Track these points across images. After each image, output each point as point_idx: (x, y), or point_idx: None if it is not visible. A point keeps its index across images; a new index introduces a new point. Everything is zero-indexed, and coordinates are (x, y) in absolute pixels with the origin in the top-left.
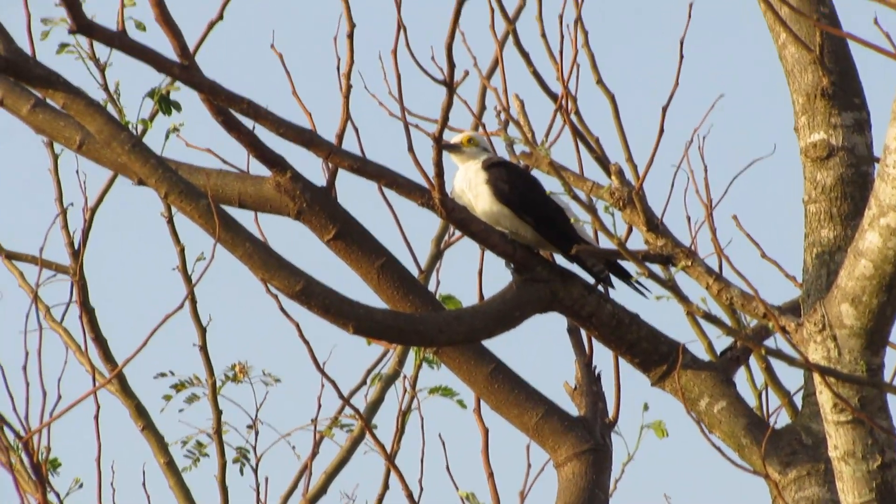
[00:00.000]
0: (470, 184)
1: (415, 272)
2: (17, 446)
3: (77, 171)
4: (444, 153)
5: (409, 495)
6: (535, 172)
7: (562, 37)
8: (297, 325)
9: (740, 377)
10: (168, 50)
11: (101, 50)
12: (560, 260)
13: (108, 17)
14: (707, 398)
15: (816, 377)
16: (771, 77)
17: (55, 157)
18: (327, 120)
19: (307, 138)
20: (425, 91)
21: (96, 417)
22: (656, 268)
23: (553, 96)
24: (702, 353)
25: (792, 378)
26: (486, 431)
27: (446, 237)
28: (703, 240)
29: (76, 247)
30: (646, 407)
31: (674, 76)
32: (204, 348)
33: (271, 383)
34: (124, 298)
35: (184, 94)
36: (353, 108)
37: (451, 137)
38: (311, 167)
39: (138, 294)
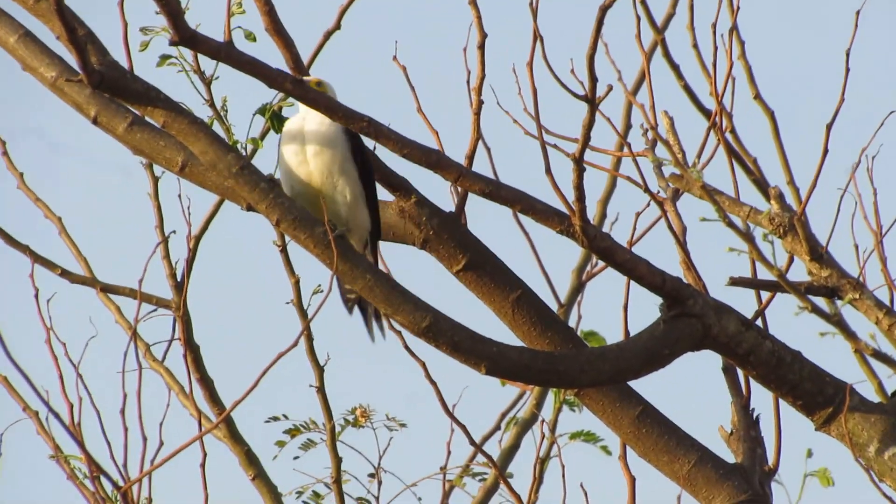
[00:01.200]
0: (320, 124)
1: (553, 306)
2: (115, 497)
3: (179, 196)
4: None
5: None
6: (686, 197)
7: (715, 48)
8: (424, 365)
9: None
10: (280, 62)
11: (207, 63)
12: None
13: (214, 26)
14: (877, 443)
15: None
16: None
17: (155, 181)
18: (456, 139)
19: (434, 160)
20: (564, 107)
21: (202, 465)
22: (820, 301)
23: (706, 113)
24: (871, 395)
25: None
26: (633, 480)
27: (588, 268)
28: (873, 270)
29: (179, 279)
30: (809, 453)
31: (839, 91)
32: (321, 390)
33: (396, 428)
34: (232, 335)
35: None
36: (485, 125)
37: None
38: (438, 191)
39: (248, 330)
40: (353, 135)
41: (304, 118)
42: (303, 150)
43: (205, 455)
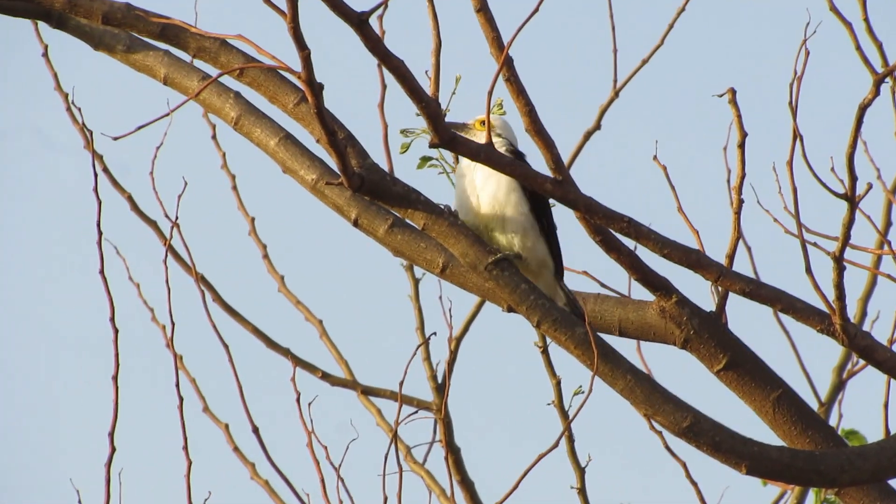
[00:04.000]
0: (482, 166)
1: (814, 405)
2: None
3: (440, 297)
4: (454, 133)
5: None
6: None
7: None
8: (684, 465)
9: None
10: (540, 163)
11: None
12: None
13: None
14: None
15: None
16: None
17: (415, 282)
18: (716, 238)
19: (694, 259)
20: (824, 205)
21: None
22: None
23: None
24: None
25: None
26: None
27: (848, 366)
28: None
29: (440, 381)
30: None
31: None
32: (582, 491)
33: None
34: (493, 436)
35: (556, 211)
36: (745, 224)
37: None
38: (698, 291)
39: (508, 431)
40: (536, 198)
41: None
42: (473, 182)
43: None
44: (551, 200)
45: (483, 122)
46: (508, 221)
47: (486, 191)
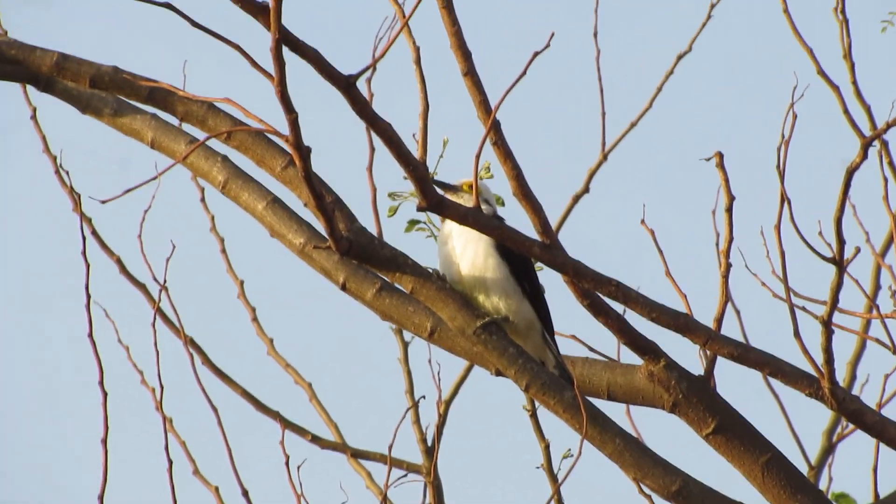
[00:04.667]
0: (463, 231)
1: (803, 468)
2: None
3: (429, 361)
4: (441, 191)
5: None
6: None
7: None
8: None
9: None
10: (527, 227)
11: None
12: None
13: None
14: None
15: None
16: None
17: (404, 346)
18: (704, 302)
19: (682, 323)
20: (812, 269)
21: None
22: None
23: None
24: None
25: None
26: None
27: (838, 429)
28: None
29: (429, 444)
30: None
31: None
32: None
33: None
34: (482, 499)
35: (545, 275)
36: (733, 288)
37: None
38: (686, 355)
39: (498, 495)
40: (518, 263)
41: None
42: (453, 249)
43: None
44: (539, 264)
45: (471, 186)
46: (490, 286)
47: (466, 256)
